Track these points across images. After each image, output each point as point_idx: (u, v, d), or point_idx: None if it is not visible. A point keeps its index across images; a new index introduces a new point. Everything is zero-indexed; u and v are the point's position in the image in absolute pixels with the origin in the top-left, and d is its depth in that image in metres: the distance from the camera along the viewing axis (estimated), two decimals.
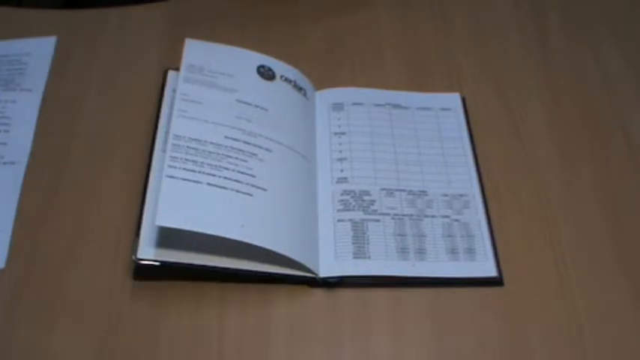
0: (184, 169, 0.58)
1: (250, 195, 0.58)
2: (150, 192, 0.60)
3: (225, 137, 0.61)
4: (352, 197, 0.63)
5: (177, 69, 0.65)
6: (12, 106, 0.68)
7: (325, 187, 0.64)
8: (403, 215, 0.62)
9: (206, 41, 0.67)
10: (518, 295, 0.59)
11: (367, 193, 0.63)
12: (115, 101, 0.69)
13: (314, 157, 0.65)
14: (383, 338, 0.56)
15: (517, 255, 0.61)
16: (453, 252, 0.61)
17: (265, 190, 0.59)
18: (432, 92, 0.72)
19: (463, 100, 0.71)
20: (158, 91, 0.68)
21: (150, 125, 0.65)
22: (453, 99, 0.71)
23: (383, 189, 0.64)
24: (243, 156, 0.60)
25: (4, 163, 0.64)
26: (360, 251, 0.60)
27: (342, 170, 0.65)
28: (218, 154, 0.60)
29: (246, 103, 0.64)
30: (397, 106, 0.70)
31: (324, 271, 0.58)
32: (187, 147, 0.59)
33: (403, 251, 0.60)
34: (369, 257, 0.60)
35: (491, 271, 0.60)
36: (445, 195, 0.64)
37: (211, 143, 0.60)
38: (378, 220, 0.61)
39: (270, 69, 0.68)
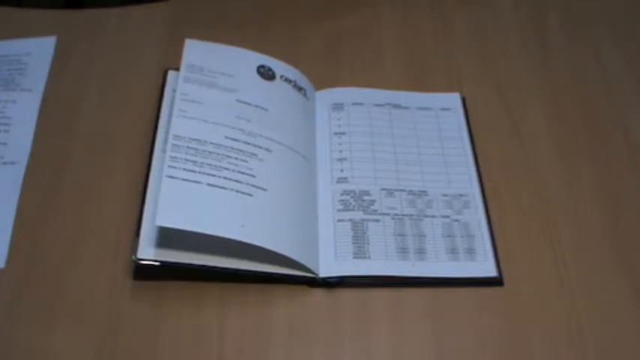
0: (184, 169, 0.58)
1: (250, 195, 0.58)
2: (150, 192, 0.60)
3: (225, 137, 0.61)
4: (352, 197, 0.63)
5: (177, 69, 0.65)
6: (12, 106, 0.68)
7: (325, 187, 0.64)
8: (403, 215, 0.62)
9: (206, 41, 0.67)
10: (518, 295, 0.59)
11: (367, 193, 0.63)
12: (115, 101, 0.69)
13: (314, 157, 0.65)
14: (383, 338, 0.56)
15: (517, 255, 0.61)
16: (452, 252, 0.61)
17: (265, 190, 0.59)
18: (432, 92, 0.72)
19: (463, 100, 0.71)
20: (158, 91, 0.68)
21: (150, 125, 0.65)
22: (453, 99, 0.71)
23: (383, 189, 0.64)
24: (243, 156, 0.60)
25: (4, 163, 0.64)
26: (360, 251, 0.60)
27: (342, 170, 0.65)
28: (218, 154, 0.60)
29: (246, 103, 0.64)
30: (397, 106, 0.70)
31: (324, 271, 0.58)
32: (187, 147, 0.59)
33: (403, 251, 0.60)
34: (369, 257, 0.60)
35: (491, 271, 0.60)
36: (445, 195, 0.64)
37: (211, 143, 0.60)
38: (378, 220, 0.61)
39: (270, 69, 0.68)
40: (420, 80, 0.73)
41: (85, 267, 0.58)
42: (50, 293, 0.57)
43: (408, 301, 0.58)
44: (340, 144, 0.67)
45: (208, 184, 0.57)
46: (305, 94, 0.69)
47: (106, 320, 0.56)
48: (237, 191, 0.58)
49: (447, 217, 0.63)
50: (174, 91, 0.65)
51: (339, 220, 0.61)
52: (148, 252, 0.56)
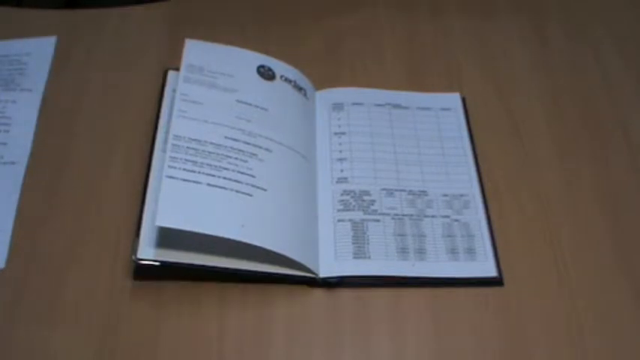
0: (184, 169, 0.58)
1: (250, 195, 0.58)
2: (150, 192, 0.60)
3: (225, 137, 0.61)
4: (352, 197, 0.63)
5: (177, 69, 0.65)
6: (12, 106, 0.68)
7: (325, 187, 0.64)
8: (403, 215, 0.62)
9: (206, 41, 0.67)
10: (518, 295, 0.59)
11: (367, 193, 0.63)
12: (115, 101, 0.69)
13: (314, 157, 0.65)
14: (383, 338, 0.56)
15: (517, 255, 0.61)
16: (453, 252, 0.61)
17: (265, 190, 0.59)
18: (432, 92, 0.72)
19: (463, 100, 0.71)
20: (158, 91, 0.68)
21: (150, 125, 0.65)
22: (453, 99, 0.71)
23: (383, 189, 0.64)
24: (243, 156, 0.60)
25: (4, 163, 0.64)
26: (360, 251, 0.60)
27: (342, 170, 0.65)
28: (218, 154, 0.60)
29: (246, 103, 0.64)
30: (397, 106, 0.70)
31: (324, 271, 0.58)
32: (187, 147, 0.59)
33: (403, 251, 0.60)
34: (369, 257, 0.60)
35: (491, 271, 0.60)
36: (445, 195, 0.64)
37: (211, 143, 0.60)
38: (378, 220, 0.61)
39: (270, 69, 0.68)
40: (420, 80, 0.73)
41: (85, 267, 0.58)
42: (50, 293, 0.57)
43: (408, 301, 0.58)
44: (340, 144, 0.67)
45: (208, 184, 0.57)
46: (305, 94, 0.69)
47: (106, 320, 0.56)
48: (237, 191, 0.58)
49: (447, 217, 0.63)
50: (174, 91, 0.65)
51: (339, 220, 0.61)
52: (147, 252, 0.56)
